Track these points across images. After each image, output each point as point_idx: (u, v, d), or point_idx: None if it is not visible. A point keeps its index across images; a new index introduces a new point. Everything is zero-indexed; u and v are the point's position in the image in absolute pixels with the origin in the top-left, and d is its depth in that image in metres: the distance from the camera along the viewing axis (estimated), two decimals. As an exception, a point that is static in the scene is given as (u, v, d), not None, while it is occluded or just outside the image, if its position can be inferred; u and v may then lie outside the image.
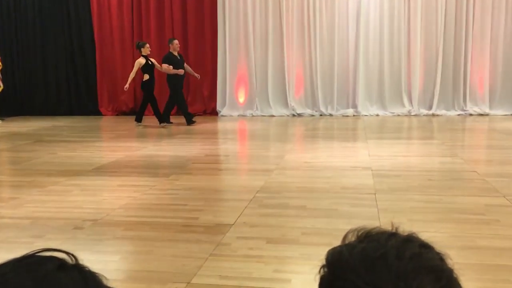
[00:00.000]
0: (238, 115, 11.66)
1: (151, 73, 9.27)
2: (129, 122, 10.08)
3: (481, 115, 10.67)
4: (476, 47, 10.77)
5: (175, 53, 9.45)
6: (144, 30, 11.97)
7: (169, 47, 9.52)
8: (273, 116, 11.38)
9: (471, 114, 10.74)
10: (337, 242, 2.54)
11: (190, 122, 9.56)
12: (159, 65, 9.38)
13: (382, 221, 3.48)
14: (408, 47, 11.01)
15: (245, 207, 3.93)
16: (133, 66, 9.43)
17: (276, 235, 3.27)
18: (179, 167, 5.58)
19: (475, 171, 5.06)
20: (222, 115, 11.71)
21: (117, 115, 12.06)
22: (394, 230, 0.91)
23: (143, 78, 9.32)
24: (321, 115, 11.34)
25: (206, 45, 11.75)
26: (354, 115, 11.21)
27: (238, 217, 3.68)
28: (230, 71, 11.69)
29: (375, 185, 4.57)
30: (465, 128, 9.07)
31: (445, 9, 10.75)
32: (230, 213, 3.79)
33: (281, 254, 2.98)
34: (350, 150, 6.61)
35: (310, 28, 11.27)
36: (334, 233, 3.26)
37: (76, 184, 4.83)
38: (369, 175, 5.02)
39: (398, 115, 11.02)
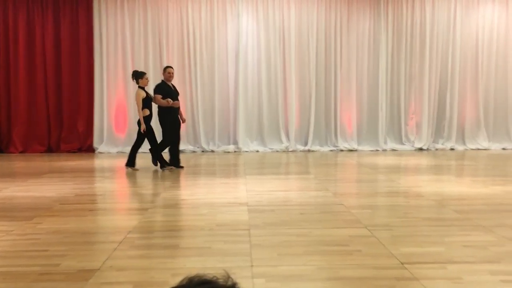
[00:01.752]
0: (117, 152, 11.25)
1: (150, 108, 7.99)
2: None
3: (351, 150, 11.53)
4: (344, 89, 11.72)
5: (169, 83, 8.22)
6: (12, 62, 11.16)
7: (163, 75, 8.33)
8: (154, 152, 11.12)
9: (342, 150, 11.54)
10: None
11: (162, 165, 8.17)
12: (155, 98, 8.11)
13: (254, 257, 3.50)
14: (284, 86, 11.62)
15: (114, 250, 3.71)
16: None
17: (144, 278, 3.12)
18: (44, 209, 5.14)
19: (343, 204, 5.37)
20: (100, 152, 11.21)
21: (-22, 152, 10.94)
22: (220, 278, 0.91)
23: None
24: (203, 151, 11.38)
25: (81, 78, 11.27)
26: (235, 151, 11.43)
27: (105, 261, 3.46)
28: (107, 106, 11.31)
29: (250, 221, 4.62)
30: (336, 163, 9.67)
31: (316, 53, 11.59)
32: (96, 257, 3.54)
33: (148, 299, 2.84)
34: (228, 186, 6.66)
35: (190, 66, 11.39)
36: (206, 272, 3.19)
37: None
38: (245, 210, 5.08)
39: (277, 151, 11.46)
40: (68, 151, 11.24)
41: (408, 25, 11.75)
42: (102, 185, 6.90)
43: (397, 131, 11.91)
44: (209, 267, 3.29)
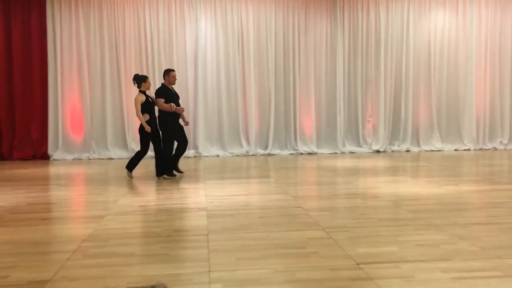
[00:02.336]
0: (73, 159, 10.98)
1: (151, 113, 7.68)
2: None
3: (310, 153, 11.67)
4: (303, 93, 11.86)
5: (169, 87, 7.84)
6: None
7: (164, 79, 7.88)
8: (112, 159, 10.93)
9: (301, 153, 11.67)
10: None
11: (160, 175, 7.85)
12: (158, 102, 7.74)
13: (212, 262, 3.48)
14: (244, 90, 11.65)
15: (67, 259, 3.60)
16: None
17: (98, 288, 3.04)
18: (-6, 219, 4.94)
19: (301, 207, 5.42)
20: (55, 159, 10.89)
21: None
22: None
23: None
24: (162, 157, 11.22)
25: (34, 84, 10.93)
26: (195, 156, 11.35)
27: (58, 271, 3.35)
28: (62, 112, 11.01)
29: (208, 226, 4.59)
30: (296, 167, 9.75)
31: (275, 57, 11.68)
32: (48, 268, 3.43)
33: (101, 309, 2.76)
34: (188, 192, 6.61)
35: (149, 70, 11.24)
36: (162, 279, 3.15)
37: None
38: (203, 216, 5.05)
39: (237, 155, 11.46)
40: (22, 159, 10.86)
41: (363, 30, 12.02)
42: (57, 193, 6.70)
43: (355, 134, 12.14)
44: (165, 274, 3.25)
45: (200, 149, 11.42)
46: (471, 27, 12.30)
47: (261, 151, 11.64)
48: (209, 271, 3.31)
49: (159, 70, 11.27)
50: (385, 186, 6.85)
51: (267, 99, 11.72)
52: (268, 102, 11.71)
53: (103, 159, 10.99)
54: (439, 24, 12.30)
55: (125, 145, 11.23)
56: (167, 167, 7.88)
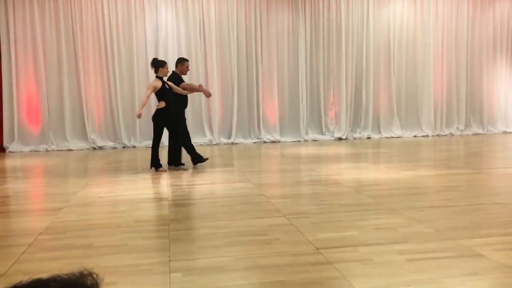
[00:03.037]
0: (30, 151, 10.64)
1: (167, 100, 7.26)
2: None
3: (274, 142, 11.72)
4: (266, 81, 11.86)
5: (181, 76, 7.59)
6: None
7: (177, 67, 7.58)
8: (71, 150, 10.66)
9: (265, 142, 11.70)
10: (122, 280, 2.41)
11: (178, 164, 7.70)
12: (179, 88, 7.37)
13: (172, 251, 3.45)
14: (206, 79, 11.54)
15: (23, 253, 3.50)
16: None
17: (54, 281, 2.96)
18: None
19: (263, 194, 5.44)
20: (11, 151, 10.53)
21: None
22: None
23: (157, 106, 7.31)
24: (124, 147, 11.04)
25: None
26: (157, 146, 11.18)
27: (12, 265, 3.25)
28: (18, 103, 10.64)
29: (170, 215, 4.55)
30: (260, 155, 9.78)
31: (237, 45, 11.61)
32: (2, 262, 3.32)
33: (58, 302, 2.69)
34: (149, 182, 6.53)
35: (108, 59, 10.98)
36: (121, 269, 3.11)
37: None
38: (165, 205, 5.00)
39: (201, 144, 11.38)
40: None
41: (325, 19, 12.10)
42: (13, 186, 6.49)
43: (317, 122, 12.26)
44: (124, 265, 3.20)
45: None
46: (429, 15, 12.58)
47: (224, 140, 11.60)
48: (170, 260, 3.29)
49: (118, 59, 11.04)
50: (346, 173, 6.96)
51: (229, 88, 11.66)
52: (231, 91, 11.66)
53: (61, 150, 10.70)
54: (398, 13, 12.52)
55: (84, 136, 10.96)
56: (195, 156, 7.70)
